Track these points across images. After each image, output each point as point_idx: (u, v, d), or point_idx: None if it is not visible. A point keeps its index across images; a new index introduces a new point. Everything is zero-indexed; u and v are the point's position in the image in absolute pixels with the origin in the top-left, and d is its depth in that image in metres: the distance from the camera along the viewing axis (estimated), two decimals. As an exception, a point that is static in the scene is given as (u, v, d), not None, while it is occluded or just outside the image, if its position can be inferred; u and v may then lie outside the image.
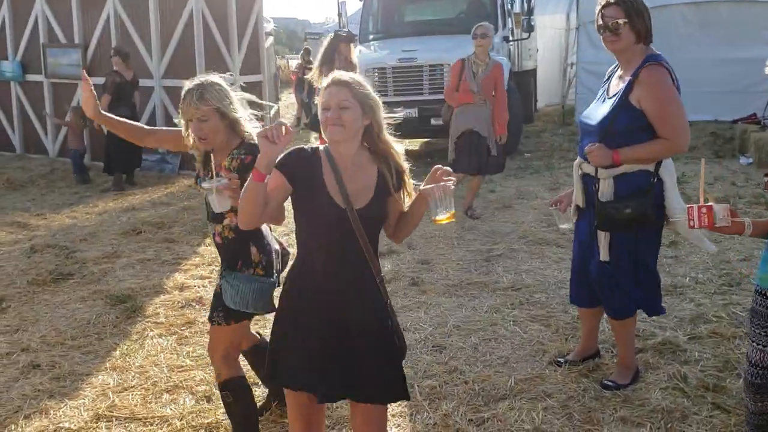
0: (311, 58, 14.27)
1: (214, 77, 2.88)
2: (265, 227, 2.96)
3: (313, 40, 27.93)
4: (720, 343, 3.98)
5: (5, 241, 6.58)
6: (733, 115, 10.95)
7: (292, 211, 2.43)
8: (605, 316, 3.76)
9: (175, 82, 8.62)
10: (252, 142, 2.84)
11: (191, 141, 2.91)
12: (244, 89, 2.92)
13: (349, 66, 7.01)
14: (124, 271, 5.64)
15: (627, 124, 3.21)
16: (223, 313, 2.93)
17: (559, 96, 15.38)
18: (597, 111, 3.38)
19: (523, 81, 11.89)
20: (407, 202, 2.48)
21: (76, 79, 10.40)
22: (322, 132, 2.38)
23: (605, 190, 3.29)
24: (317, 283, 2.38)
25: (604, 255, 3.36)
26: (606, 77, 3.49)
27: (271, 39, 12.33)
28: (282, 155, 2.34)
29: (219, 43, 9.86)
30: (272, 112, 11.24)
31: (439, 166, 2.40)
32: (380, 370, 2.40)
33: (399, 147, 2.46)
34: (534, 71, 13.57)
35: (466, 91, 6.74)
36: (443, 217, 2.35)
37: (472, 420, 3.30)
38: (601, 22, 3.24)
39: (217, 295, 2.96)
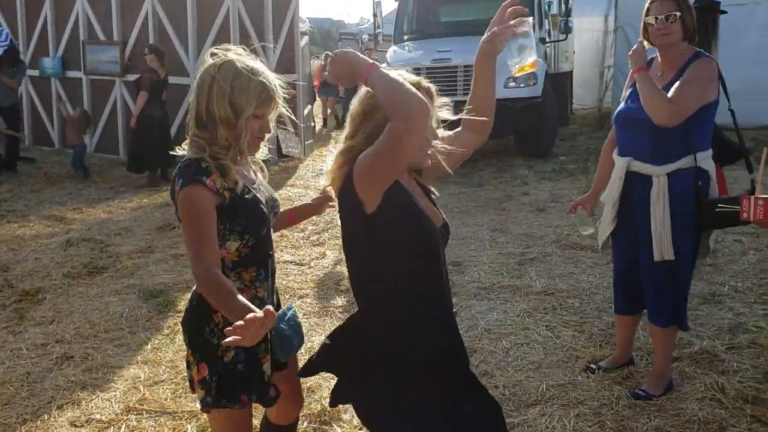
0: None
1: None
2: None
3: (348, 41, 27.95)
4: (760, 353, 3.86)
5: (42, 234, 6.70)
6: None
7: None
8: (641, 323, 3.68)
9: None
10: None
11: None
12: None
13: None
14: (157, 266, 5.69)
15: None
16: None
17: (596, 99, 15.16)
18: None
19: (559, 83, 11.74)
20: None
21: (114, 76, 10.60)
22: None
23: (660, 188, 3.18)
24: None
25: (668, 254, 3.20)
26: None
27: (306, 39, 12.37)
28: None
29: (255, 42, 9.94)
30: (305, 111, 11.28)
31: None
32: None
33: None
34: (570, 73, 13.40)
35: None
36: (518, 65, 1.84)
37: (502, 425, 3.25)
38: (652, 15, 3.16)
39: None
